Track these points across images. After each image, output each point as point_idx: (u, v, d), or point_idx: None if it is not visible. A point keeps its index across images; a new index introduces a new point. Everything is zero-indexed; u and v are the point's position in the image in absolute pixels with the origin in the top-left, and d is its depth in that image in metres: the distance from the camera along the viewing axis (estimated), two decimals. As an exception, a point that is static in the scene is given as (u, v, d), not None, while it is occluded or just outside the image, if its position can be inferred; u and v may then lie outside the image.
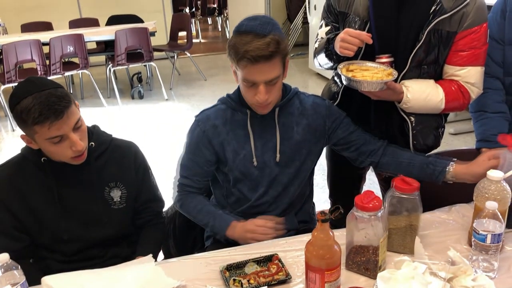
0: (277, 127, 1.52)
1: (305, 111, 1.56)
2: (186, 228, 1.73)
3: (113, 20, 6.48)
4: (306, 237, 1.38)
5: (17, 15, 6.73)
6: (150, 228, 1.61)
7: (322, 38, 1.69)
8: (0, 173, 1.40)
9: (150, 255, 1.38)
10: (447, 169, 1.48)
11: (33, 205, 1.40)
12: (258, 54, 1.30)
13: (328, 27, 1.68)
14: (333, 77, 1.80)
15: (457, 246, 1.33)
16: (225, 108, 1.55)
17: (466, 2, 1.44)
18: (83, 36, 5.19)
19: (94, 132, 1.47)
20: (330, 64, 1.65)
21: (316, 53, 1.71)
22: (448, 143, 3.92)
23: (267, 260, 1.33)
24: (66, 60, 5.47)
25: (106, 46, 5.89)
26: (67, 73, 5.33)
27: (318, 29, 1.73)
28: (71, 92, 6.25)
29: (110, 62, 5.64)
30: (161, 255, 1.72)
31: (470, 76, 1.53)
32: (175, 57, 6.49)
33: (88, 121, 1.52)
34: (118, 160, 1.50)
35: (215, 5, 11.03)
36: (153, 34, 5.62)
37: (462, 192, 1.49)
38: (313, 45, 1.80)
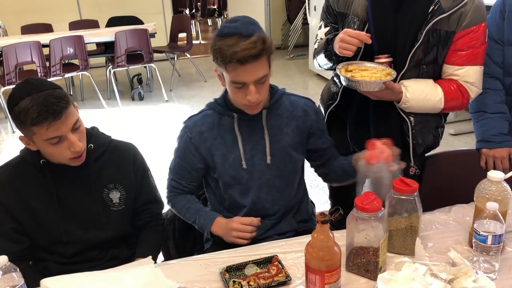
0: (265, 129, 1.52)
1: (296, 112, 1.55)
2: (185, 230, 1.72)
3: (113, 21, 6.48)
4: (306, 239, 1.37)
5: (17, 16, 6.73)
6: (149, 230, 1.61)
7: (321, 38, 1.69)
8: None
9: (150, 257, 1.37)
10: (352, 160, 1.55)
11: (32, 207, 1.39)
12: (246, 54, 1.30)
13: (328, 28, 1.68)
14: (332, 77, 1.80)
15: (457, 247, 1.32)
16: (212, 113, 1.54)
17: (464, 2, 1.44)
18: (83, 37, 5.19)
19: (93, 134, 1.47)
20: (330, 64, 1.64)
21: (316, 53, 1.71)
22: (448, 143, 3.91)
23: (267, 261, 1.32)
24: (66, 61, 5.47)
25: (106, 48, 5.89)
26: (67, 75, 5.33)
27: (317, 30, 1.73)
28: (71, 93, 6.25)
29: (110, 64, 5.64)
30: (161, 256, 1.71)
31: (469, 76, 1.53)
32: (175, 58, 6.49)
33: (88, 123, 1.52)
34: (117, 162, 1.49)
35: (215, 7, 11.03)
36: (153, 35, 5.62)
37: (462, 193, 1.49)
38: (312, 46, 1.80)
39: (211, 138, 1.53)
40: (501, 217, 1.17)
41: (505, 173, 1.26)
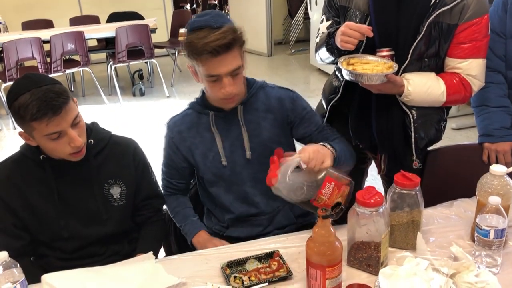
0: (242, 124, 1.51)
1: (271, 105, 1.54)
2: (186, 225, 1.72)
3: (114, 17, 6.48)
4: (307, 234, 1.37)
5: (18, 12, 6.73)
6: (150, 225, 1.60)
7: (323, 33, 1.68)
8: None
9: (151, 253, 1.38)
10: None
11: (32, 203, 1.39)
12: (218, 44, 1.30)
13: (329, 22, 1.67)
14: (334, 71, 1.79)
15: (459, 242, 1.32)
16: (191, 113, 1.56)
17: None
18: (84, 33, 5.19)
19: (93, 129, 1.46)
20: (331, 58, 1.64)
21: (318, 47, 1.70)
22: (450, 138, 3.90)
23: (268, 256, 1.32)
24: (67, 57, 5.47)
25: (107, 44, 5.89)
26: (68, 71, 5.33)
27: (319, 24, 1.72)
28: (72, 89, 6.25)
29: (111, 59, 5.63)
30: (162, 252, 1.71)
31: (472, 69, 1.52)
32: (176, 54, 6.47)
33: (90, 119, 1.52)
34: (118, 157, 1.49)
35: (216, 2, 11.00)
36: (153, 31, 5.61)
37: (464, 187, 1.48)
38: (314, 40, 1.80)
39: (191, 137, 1.54)
40: (504, 212, 1.16)
41: (508, 167, 1.26)
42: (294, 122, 1.57)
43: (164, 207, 1.69)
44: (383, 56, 1.49)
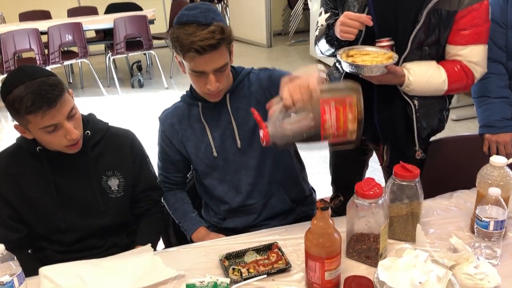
0: (231, 113, 1.50)
1: (253, 89, 1.52)
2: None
3: (112, 8, 6.43)
4: (306, 225, 1.36)
5: (15, 3, 6.67)
6: (149, 217, 1.60)
7: (322, 25, 1.67)
8: None
9: (149, 245, 1.37)
10: None
11: (29, 195, 1.38)
12: (205, 44, 1.28)
13: (328, 14, 1.66)
14: (334, 63, 1.78)
15: (459, 233, 1.31)
16: (182, 105, 1.56)
17: None
18: (82, 24, 5.15)
19: (89, 121, 1.45)
20: (331, 50, 1.62)
21: (317, 40, 1.69)
22: (450, 129, 3.89)
23: (266, 248, 1.31)
24: (65, 49, 5.44)
25: (105, 35, 5.85)
26: (66, 62, 5.30)
27: (318, 17, 1.71)
28: (71, 81, 6.23)
29: (109, 51, 5.60)
30: (161, 244, 1.71)
31: (473, 55, 1.50)
32: (175, 45, 6.43)
33: (88, 111, 1.51)
34: (115, 149, 1.48)
35: (215, -8, 10.92)
36: (152, 22, 5.57)
37: (464, 179, 1.48)
38: (313, 31, 1.78)
39: (182, 129, 1.54)
40: (503, 203, 1.15)
41: (508, 158, 1.25)
42: (273, 94, 1.49)
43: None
44: (383, 47, 1.49)
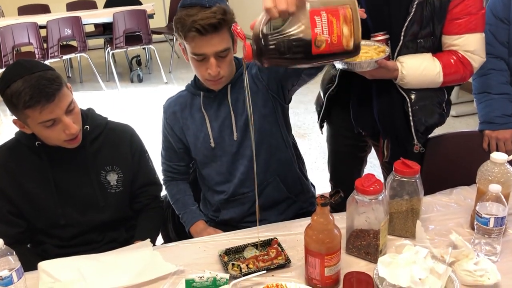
0: (230, 105, 1.50)
1: (252, 80, 1.51)
2: (185, 212, 1.72)
3: (111, 2, 6.39)
4: (305, 221, 1.36)
5: (14, -3, 6.65)
6: (148, 212, 1.60)
7: None
8: None
9: (148, 240, 1.37)
10: None
11: (28, 190, 1.38)
12: (206, 22, 1.28)
13: None
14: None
15: (459, 230, 1.31)
16: (186, 94, 1.57)
17: None
18: (81, 18, 5.13)
19: (88, 115, 1.44)
20: None
21: None
22: (450, 125, 3.89)
23: (266, 244, 1.31)
24: (64, 43, 5.42)
25: (104, 29, 5.83)
26: (65, 57, 5.29)
27: None
28: (70, 76, 6.21)
29: (108, 45, 5.58)
30: (160, 239, 1.71)
31: (469, 44, 1.49)
32: (174, 39, 6.41)
33: (87, 105, 1.50)
34: (114, 143, 1.48)
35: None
36: (151, 16, 5.55)
37: (464, 175, 1.47)
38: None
39: (183, 118, 1.55)
40: (504, 200, 1.15)
41: (508, 155, 1.24)
42: (266, 78, 1.49)
43: (162, 193, 1.68)
44: (378, 41, 1.48)
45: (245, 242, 1.32)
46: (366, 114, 1.65)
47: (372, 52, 1.43)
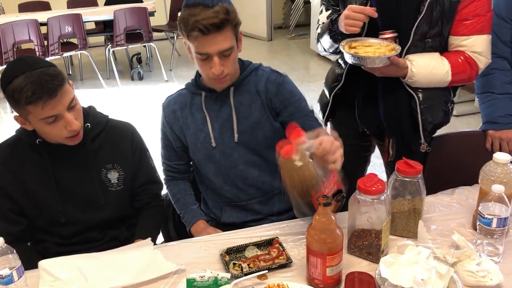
0: (233, 107, 1.50)
1: (259, 88, 1.50)
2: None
3: (112, -1, 6.39)
4: (307, 221, 1.36)
5: (14, -6, 6.63)
6: (148, 211, 1.59)
7: (323, 23, 1.65)
8: None
9: (149, 239, 1.36)
10: None
11: (29, 188, 1.37)
12: (208, 22, 1.28)
13: (329, 11, 1.65)
14: (337, 60, 1.77)
15: (461, 230, 1.31)
16: (186, 93, 1.56)
17: None
18: (82, 16, 5.12)
19: (89, 113, 1.44)
20: (335, 46, 1.61)
21: (319, 37, 1.67)
22: (451, 124, 3.83)
23: (267, 243, 1.30)
24: (65, 40, 5.41)
25: (105, 27, 5.82)
26: (66, 54, 5.27)
27: (318, 15, 1.69)
28: (70, 73, 6.20)
29: (109, 43, 5.57)
30: (161, 238, 1.70)
31: (477, 45, 1.50)
32: (175, 37, 6.39)
33: (88, 103, 1.49)
34: (115, 141, 1.47)
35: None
36: (152, 14, 5.54)
37: (466, 175, 1.47)
38: (314, 25, 1.77)
39: (183, 117, 1.54)
40: (507, 200, 1.15)
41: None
42: (278, 108, 1.51)
43: (163, 192, 1.67)
44: (386, 39, 1.48)
45: (246, 242, 1.31)
46: (371, 112, 1.65)
47: (384, 49, 1.44)
